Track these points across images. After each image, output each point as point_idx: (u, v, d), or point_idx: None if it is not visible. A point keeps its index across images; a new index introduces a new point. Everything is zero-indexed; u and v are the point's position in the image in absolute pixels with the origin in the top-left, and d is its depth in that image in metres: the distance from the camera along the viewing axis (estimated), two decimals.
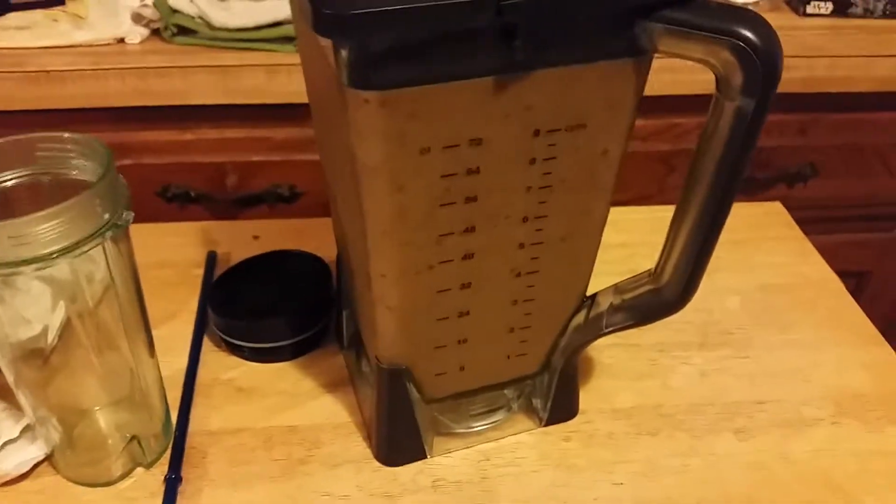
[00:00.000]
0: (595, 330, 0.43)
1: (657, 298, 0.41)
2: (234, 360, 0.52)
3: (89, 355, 0.42)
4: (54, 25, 0.84)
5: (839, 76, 0.87)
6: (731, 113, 0.32)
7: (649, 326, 0.43)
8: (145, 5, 0.84)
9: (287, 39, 0.83)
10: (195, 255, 0.61)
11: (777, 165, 0.94)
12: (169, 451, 0.45)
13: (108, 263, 0.38)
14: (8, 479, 0.43)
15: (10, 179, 0.39)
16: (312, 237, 0.59)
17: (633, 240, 0.62)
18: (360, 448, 0.46)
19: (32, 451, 0.44)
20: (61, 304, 0.39)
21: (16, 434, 0.44)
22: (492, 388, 0.46)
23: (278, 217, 0.90)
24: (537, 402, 0.48)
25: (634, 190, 0.93)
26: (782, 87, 0.31)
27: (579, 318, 0.44)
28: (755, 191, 0.95)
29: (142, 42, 0.85)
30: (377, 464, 0.45)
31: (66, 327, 0.40)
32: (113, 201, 0.37)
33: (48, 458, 0.44)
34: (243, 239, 0.63)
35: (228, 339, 0.52)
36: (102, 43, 0.84)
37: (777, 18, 0.92)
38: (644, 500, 0.44)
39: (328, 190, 0.48)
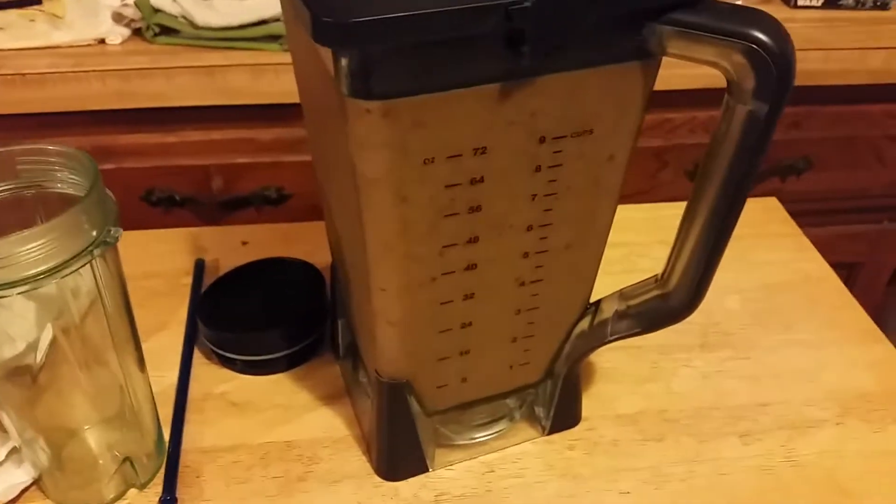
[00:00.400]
0: (600, 337, 0.42)
1: (664, 304, 0.40)
2: (227, 372, 0.51)
3: (76, 371, 0.40)
4: (31, 26, 0.82)
5: (832, 69, 0.86)
6: (742, 117, 0.31)
7: None
8: (126, 4, 0.82)
9: (273, 38, 0.81)
10: (183, 262, 0.60)
11: (771, 159, 0.94)
12: (163, 471, 0.44)
13: (95, 277, 0.37)
14: None
15: None
16: (303, 242, 0.58)
17: (628, 238, 0.61)
18: (359, 462, 0.45)
19: (19, 476, 0.42)
20: (49, 321, 0.38)
21: (1, 458, 0.42)
22: (494, 398, 0.45)
23: (266, 220, 0.89)
24: (540, 411, 0.47)
25: (627, 186, 0.92)
26: None
27: (583, 325, 0.43)
28: None
29: (123, 42, 0.83)
30: (378, 479, 0.44)
31: (52, 343, 0.38)
32: (101, 217, 0.35)
33: (36, 482, 0.43)
34: (232, 245, 0.61)
35: (220, 351, 0.50)
36: (82, 44, 0.82)
37: (768, 11, 0.91)
38: None
39: (321, 195, 0.46)
